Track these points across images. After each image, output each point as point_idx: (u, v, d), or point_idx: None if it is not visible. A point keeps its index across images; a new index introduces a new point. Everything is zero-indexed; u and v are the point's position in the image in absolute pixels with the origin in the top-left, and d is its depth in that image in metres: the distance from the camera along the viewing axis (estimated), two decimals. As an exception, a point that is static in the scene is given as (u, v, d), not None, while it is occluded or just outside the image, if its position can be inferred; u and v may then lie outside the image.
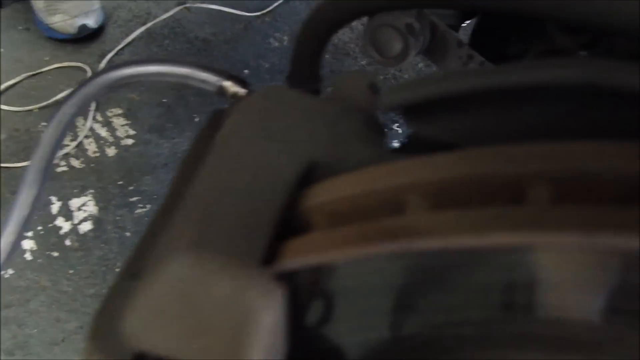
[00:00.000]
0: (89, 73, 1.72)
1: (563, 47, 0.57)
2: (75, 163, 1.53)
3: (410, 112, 0.27)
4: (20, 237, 0.48)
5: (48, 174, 0.47)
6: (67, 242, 1.40)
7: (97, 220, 1.43)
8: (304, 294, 0.27)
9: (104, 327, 0.28)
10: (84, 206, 1.45)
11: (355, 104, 0.43)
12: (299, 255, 0.23)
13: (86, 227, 1.42)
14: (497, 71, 0.23)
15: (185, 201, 0.27)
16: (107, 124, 1.61)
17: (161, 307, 0.25)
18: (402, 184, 0.22)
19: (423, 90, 0.25)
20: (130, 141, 1.57)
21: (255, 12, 1.93)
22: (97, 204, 1.46)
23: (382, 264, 0.23)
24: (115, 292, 0.30)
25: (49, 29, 1.79)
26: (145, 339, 0.24)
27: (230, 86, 0.45)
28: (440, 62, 0.79)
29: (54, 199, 1.46)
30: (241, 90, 0.46)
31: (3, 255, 0.48)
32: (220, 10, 1.91)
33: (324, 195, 0.25)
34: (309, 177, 0.27)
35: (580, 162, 0.20)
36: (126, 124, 1.61)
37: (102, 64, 1.76)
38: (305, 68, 0.46)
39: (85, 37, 1.81)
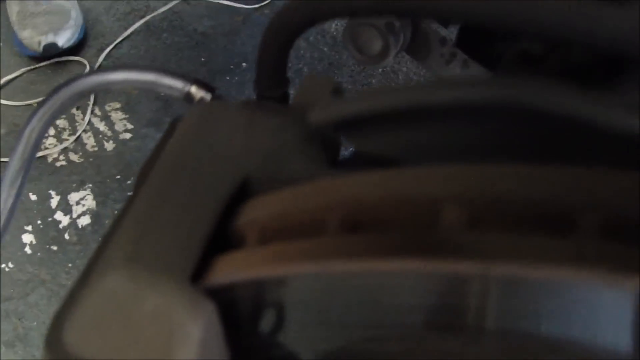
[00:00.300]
0: (87, 67, 1.72)
1: (534, 52, 0.57)
2: (74, 157, 1.54)
3: (345, 128, 0.27)
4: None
5: (22, 189, 0.48)
6: (66, 236, 1.41)
7: (95, 214, 1.45)
8: (249, 304, 0.28)
9: (55, 333, 0.28)
10: (83, 200, 1.47)
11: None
12: (225, 272, 0.24)
13: (85, 221, 1.44)
14: (415, 89, 0.23)
15: (127, 215, 0.28)
16: (106, 117, 1.63)
17: (97, 318, 0.26)
18: (321, 204, 0.23)
19: (347, 109, 0.25)
20: (128, 135, 1.59)
21: (253, 4, 1.93)
22: (95, 198, 1.47)
23: (306, 282, 0.24)
24: (67, 299, 0.31)
25: (20, 43, 1.71)
26: (85, 348, 0.25)
27: (196, 91, 0.46)
28: (423, 60, 0.80)
29: (53, 193, 1.48)
30: (207, 95, 0.46)
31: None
32: (219, 3, 1.92)
33: (254, 212, 0.26)
34: (245, 192, 0.28)
35: (491, 185, 0.21)
36: (124, 118, 1.62)
37: (101, 58, 1.77)
38: (271, 72, 0.46)
39: (57, 56, 1.72)
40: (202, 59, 1.78)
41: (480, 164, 0.22)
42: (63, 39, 1.70)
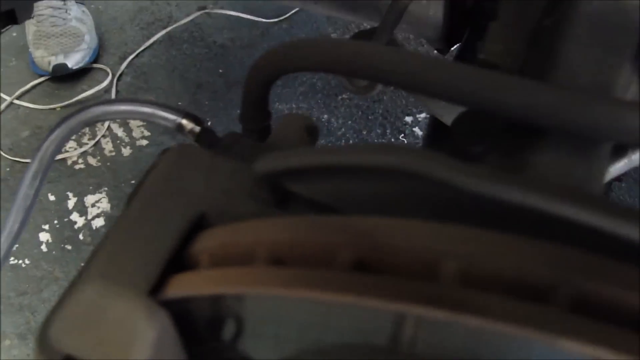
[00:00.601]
0: (110, 74, 1.80)
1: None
2: (92, 161, 1.62)
3: (286, 178, 0.34)
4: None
5: (30, 212, 0.55)
6: (81, 237, 1.49)
7: (109, 216, 1.52)
8: (204, 314, 0.34)
9: (45, 331, 0.35)
10: (98, 203, 1.54)
11: (291, 145, 0.50)
12: (175, 289, 0.30)
13: (99, 222, 1.51)
14: (332, 152, 0.29)
15: (110, 235, 0.34)
16: (124, 124, 1.70)
17: (76, 321, 0.32)
18: (253, 239, 0.29)
19: (284, 163, 0.31)
20: (145, 142, 1.66)
21: (272, 18, 1.99)
22: (110, 201, 1.55)
23: (242, 300, 0.30)
24: (57, 303, 0.38)
25: (32, 62, 1.79)
26: (66, 344, 0.32)
27: (186, 124, 0.52)
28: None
29: (70, 194, 1.55)
30: (196, 128, 0.53)
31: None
32: (239, 16, 1.99)
33: (205, 241, 0.32)
34: (201, 224, 0.34)
35: (379, 236, 0.27)
36: (142, 125, 1.70)
37: (123, 66, 1.84)
38: (254, 109, 0.53)
39: (66, 77, 1.78)
40: (220, 70, 1.85)
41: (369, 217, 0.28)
42: (73, 61, 1.78)
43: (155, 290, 0.31)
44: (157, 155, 0.48)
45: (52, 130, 0.52)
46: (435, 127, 0.96)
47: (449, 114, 0.85)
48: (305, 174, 0.33)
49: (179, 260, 0.33)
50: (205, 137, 0.53)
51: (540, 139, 0.41)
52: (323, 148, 0.30)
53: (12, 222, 0.55)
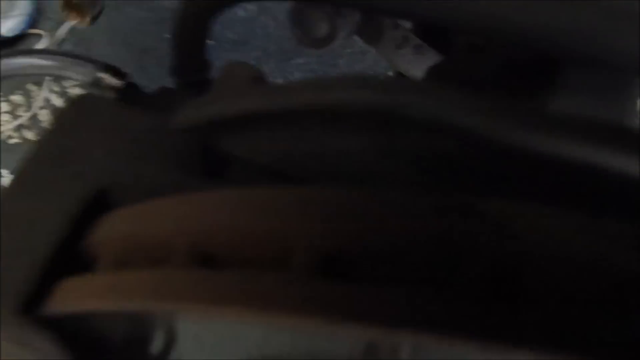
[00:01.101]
0: (45, 40, 1.67)
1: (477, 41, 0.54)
2: (29, 135, 1.49)
3: (219, 132, 0.24)
4: None
5: None
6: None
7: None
8: (117, 328, 0.24)
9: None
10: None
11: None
12: (62, 302, 0.21)
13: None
14: (279, 91, 0.20)
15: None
16: (64, 94, 1.57)
17: None
18: (169, 227, 0.20)
19: (216, 109, 0.22)
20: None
21: (222, -21, 1.87)
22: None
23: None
24: None
25: None
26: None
27: (106, 78, 0.42)
28: (375, 44, 0.76)
29: (5, 172, 1.43)
30: (117, 82, 0.42)
31: None
32: (185, -23, 1.86)
33: (106, 228, 0.23)
34: (103, 203, 0.24)
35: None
36: (83, 95, 1.57)
37: (62, 31, 1.71)
38: (188, 55, 0.43)
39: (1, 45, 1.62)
40: (166, 35, 1.73)
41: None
42: (6, 28, 1.64)
43: (34, 303, 0.22)
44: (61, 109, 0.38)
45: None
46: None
47: (415, 69, 0.77)
48: (246, 126, 0.23)
49: (74, 255, 0.23)
50: (129, 94, 0.43)
51: (557, 75, 0.32)
52: (267, 88, 0.21)
53: None
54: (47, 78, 1.58)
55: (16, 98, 1.56)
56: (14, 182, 0.25)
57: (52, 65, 0.42)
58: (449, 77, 0.56)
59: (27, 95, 1.57)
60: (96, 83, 0.43)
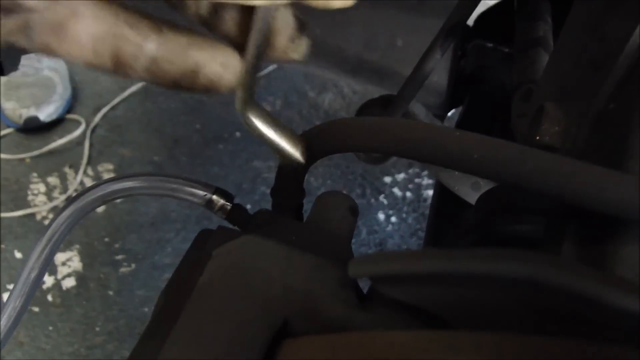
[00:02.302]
0: (83, 124, 1.74)
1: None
2: (63, 217, 1.54)
3: (381, 282, 0.30)
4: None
5: (33, 294, 0.49)
6: (49, 298, 1.40)
7: (80, 276, 1.44)
8: None
9: None
10: (69, 261, 1.46)
11: (335, 226, 0.46)
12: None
13: (69, 283, 1.43)
14: (456, 257, 0.26)
15: (168, 345, 0.29)
16: (98, 178, 1.64)
17: None
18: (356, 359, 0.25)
19: (388, 268, 0.28)
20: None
21: (250, 74, 1.97)
22: (81, 259, 1.47)
23: None
24: None
25: (2, 114, 1.72)
26: None
27: (217, 200, 0.48)
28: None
29: (39, 252, 1.47)
30: (227, 205, 0.48)
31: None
32: (216, 71, 1.96)
33: (293, 354, 0.28)
34: (284, 330, 0.30)
35: None
36: (116, 180, 1.63)
37: (97, 118, 1.79)
38: (289, 185, 0.49)
39: (37, 129, 1.72)
40: (197, 126, 1.82)
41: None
42: (45, 114, 1.73)
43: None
44: (196, 238, 0.43)
45: (62, 209, 0.47)
46: (443, 196, 0.94)
47: (461, 185, 0.83)
48: (405, 278, 0.29)
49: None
50: (237, 215, 0.49)
51: (622, 227, 0.38)
52: (432, 252, 0.27)
53: (11, 308, 0.50)
54: (83, 162, 1.65)
55: (52, 180, 1.62)
56: (197, 309, 0.30)
57: (169, 187, 0.48)
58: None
59: (63, 177, 1.63)
60: (208, 205, 0.49)
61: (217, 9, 0.34)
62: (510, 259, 0.25)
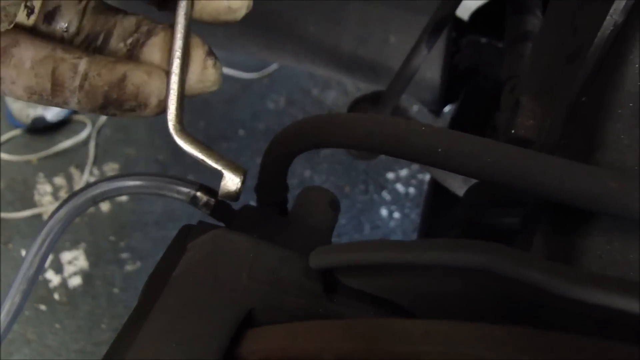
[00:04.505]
0: (89, 126, 1.76)
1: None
2: (69, 216, 1.56)
3: (341, 271, 0.31)
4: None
5: (30, 290, 0.51)
6: (56, 296, 1.42)
7: (86, 275, 1.46)
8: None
9: None
10: (75, 260, 1.48)
11: (316, 220, 0.47)
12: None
13: (75, 281, 1.45)
14: (411, 247, 0.27)
15: (137, 341, 0.31)
16: (103, 178, 1.65)
17: None
18: (318, 346, 0.26)
19: (345, 259, 0.29)
20: (124, 197, 1.61)
21: (253, 72, 1.99)
22: (87, 258, 1.49)
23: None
24: None
25: (10, 114, 1.75)
26: None
27: (201, 196, 0.49)
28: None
29: (45, 251, 1.49)
30: (211, 200, 0.50)
31: None
32: (220, 70, 1.97)
33: (256, 343, 0.29)
34: (249, 320, 0.31)
35: (470, 346, 0.24)
36: (121, 180, 1.65)
37: (103, 118, 1.81)
38: (271, 181, 0.50)
39: (44, 129, 1.76)
40: (201, 124, 1.83)
41: (455, 323, 0.25)
42: (52, 113, 1.75)
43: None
44: (179, 232, 0.44)
45: (56, 210, 0.48)
46: (436, 191, 0.95)
47: (452, 179, 0.84)
48: (365, 268, 0.30)
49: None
50: (221, 211, 0.50)
51: (590, 219, 0.39)
52: (388, 243, 0.28)
53: (10, 303, 0.51)
54: (88, 162, 1.68)
55: (58, 180, 1.65)
56: (172, 299, 0.31)
57: (153, 186, 0.49)
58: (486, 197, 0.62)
59: (69, 178, 1.66)
60: (193, 201, 0.50)
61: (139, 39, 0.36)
62: (460, 248, 0.26)
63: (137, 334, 0.32)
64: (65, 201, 0.48)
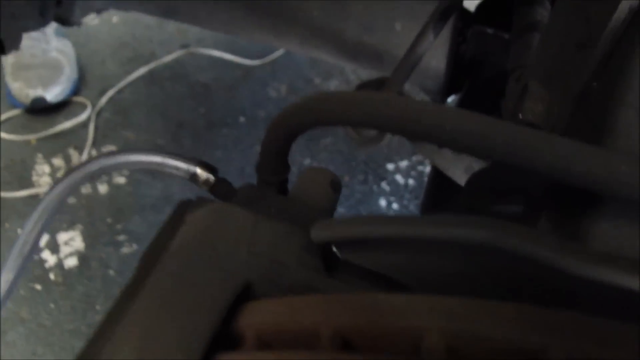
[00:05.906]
0: (89, 108, 1.75)
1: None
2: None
3: (344, 246, 0.30)
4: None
5: (26, 263, 0.50)
6: (51, 276, 1.42)
7: (82, 256, 1.46)
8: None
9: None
10: (71, 241, 1.48)
11: (316, 200, 0.47)
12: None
13: (71, 262, 1.44)
14: (415, 222, 0.26)
15: (132, 313, 0.30)
16: (102, 160, 1.64)
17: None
18: (315, 319, 0.26)
19: (348, 232, 0.28)
20: (122, 180, 1.61)
21: (255, 59, 1.98)
22: (84, 240, 1.48)
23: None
24: None
25: (10, 94, 1.73)
26: None
27: (201, 173, 0.49)
28: (415, 141, 0.83)
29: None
30: (211, 178, 0.49)
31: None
32: (222, 57, 1.97)
33: (252, 316, 0.29)
34: (247, 293, 0.30)
35: (470, 320, 0.23)
36: (120, 162, 1.64)
37: (103, 100, 1.80)
38: (273, 161, 0.49)
39: (44, 110, 1.73)
40: (201, 110, 1.82)
41: (460, 299, 0.25)
42: (52, 94, 1.73)
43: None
44: (177, 207, 0.44)
45: (54, 184, 0.48)
46: (437, 179, 0.94)
47: (454, 168, 0.83)
48: (367, 243, 0.29)
49: (221, 335, 0.29)
50: (221, 188, 0.49)
51: (598, 205, 0.38)
52: (389, 218, 0.27)
53: (4, 281, 0.51)
54: (87, 144, 1.67)
55: (57, 161, 1.64)
56: (168, 271, 0.31)
57: (153, 162, 0.49)
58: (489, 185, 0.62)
59: (68, 159, 1.65)
60: (193, 178, 0.49)
61: None
62: (467, 224, 0.25)
63: (130, 307, 0.31)
64: (64, 176, 0.47)
